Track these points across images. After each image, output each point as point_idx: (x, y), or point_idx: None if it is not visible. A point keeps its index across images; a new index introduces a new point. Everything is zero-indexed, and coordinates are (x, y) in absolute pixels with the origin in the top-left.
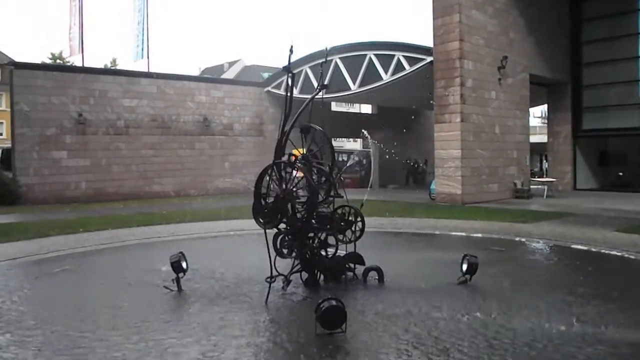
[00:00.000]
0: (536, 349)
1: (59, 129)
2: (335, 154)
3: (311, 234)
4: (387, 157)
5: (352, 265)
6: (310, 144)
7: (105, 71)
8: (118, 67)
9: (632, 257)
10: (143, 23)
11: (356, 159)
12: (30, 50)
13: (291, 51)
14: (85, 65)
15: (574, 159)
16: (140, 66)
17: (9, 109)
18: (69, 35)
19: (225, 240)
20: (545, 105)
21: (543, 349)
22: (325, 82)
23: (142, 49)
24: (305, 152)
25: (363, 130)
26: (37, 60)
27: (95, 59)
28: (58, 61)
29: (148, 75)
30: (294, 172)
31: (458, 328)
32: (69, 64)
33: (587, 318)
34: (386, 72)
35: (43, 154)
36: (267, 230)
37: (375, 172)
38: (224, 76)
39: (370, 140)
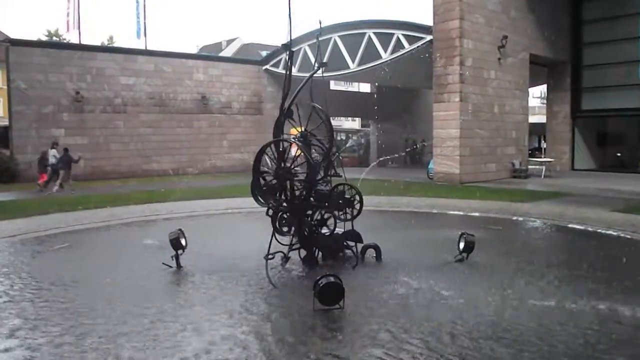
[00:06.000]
0: (530, 324)
1: (56, 106)
2: (334, 133)
3: (309, 212)
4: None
5: (350, 243)
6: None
7: (102, 49)
8: (115, 45)
9: (629, 236)
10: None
11: (357, 139)
12: (26, 27)
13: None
14: (82, 42)
15: (573, 139)
16: (138, 44)
17: (5, 87)
18: (66, 12)
19: (223, 218)
20: (545, 86)
21: (537, 325)
22: (324, 60)
23: (140, 27)
24: (304, 130)
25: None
26: (33, 37)
27: (91, 37)
28: (54, 38)
29: (145, 52)
30: (292, 150)
31: (454, 305)
32: (65, 41)
33: (582, 295)
34: (385, 51)
35: (41, 131)
36: (266, 208)
37: (376, 152)
38: (222, 54)
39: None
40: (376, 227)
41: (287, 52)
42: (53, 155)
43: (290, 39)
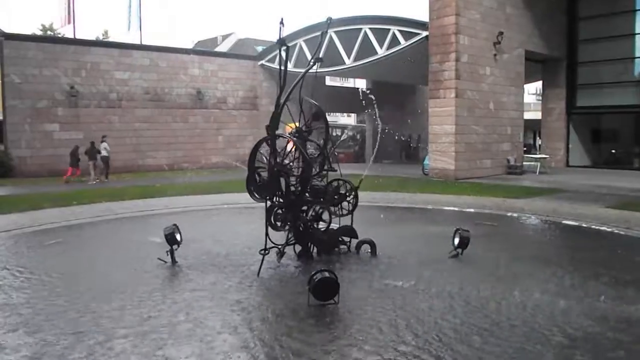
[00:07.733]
0: (523, 320)
1: (50, 101)
2: (329, 129)
3: (305, 207)
4: (383, 135)
5: (345, 239)
6: (300, 117)
7: (97, 43)
8: (110, 39)
9: (622, 232)
10: None
11: (350, 134)
12: (20, 21)
13: (282, 24)
14: (77, 37)
15: (567, 136)
16: (132, 38)
17: None
18: (61, 6)
19: (219, 213)
20: (540, 82)
21: (530, 321)
22: (320, 56)
23: (132, 21)
24: (299, 126)
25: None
26: (27, 31)
27: (86, 31)
28: (49, 33)
29: (140, 47)
30: (288, 146)
31: (449, 300)
32: (59, 35)
33: (575, 291)
34: (381, 47)
35: (35, 126)
36: (262, 204)
37: (371, 148)
38: (217, 49)
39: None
40: (371, 223)
41: (283, 48)
42: (104, 147)
43: (280, 38)
